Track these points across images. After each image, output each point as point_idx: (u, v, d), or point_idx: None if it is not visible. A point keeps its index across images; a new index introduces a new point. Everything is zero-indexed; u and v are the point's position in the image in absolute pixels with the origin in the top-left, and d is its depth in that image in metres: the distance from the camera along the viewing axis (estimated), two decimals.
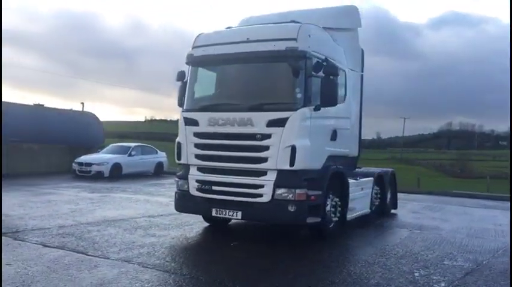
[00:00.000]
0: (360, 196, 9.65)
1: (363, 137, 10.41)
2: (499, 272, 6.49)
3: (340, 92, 8.64)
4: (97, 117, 27.33)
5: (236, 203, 7.65)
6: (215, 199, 7.84)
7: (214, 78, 8.54)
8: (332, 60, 8.08)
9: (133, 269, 5.89)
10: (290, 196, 7.29)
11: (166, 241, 7.72)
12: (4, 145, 19.67)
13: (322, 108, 7.59)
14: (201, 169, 8.07)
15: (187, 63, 8.37)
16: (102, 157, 20.77)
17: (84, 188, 15.51)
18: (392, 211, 12.34)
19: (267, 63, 7.87)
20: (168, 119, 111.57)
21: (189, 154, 8.11)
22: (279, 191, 7.35)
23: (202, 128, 7.97)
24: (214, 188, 7.86)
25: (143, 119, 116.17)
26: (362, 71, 9.85)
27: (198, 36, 8.39)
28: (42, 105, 25.49)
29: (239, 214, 7.62)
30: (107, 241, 7.49)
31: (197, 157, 8.05)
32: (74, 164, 20.47)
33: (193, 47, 8.31)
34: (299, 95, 7.45)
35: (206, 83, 8.52)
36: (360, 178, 10.24)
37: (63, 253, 6.59)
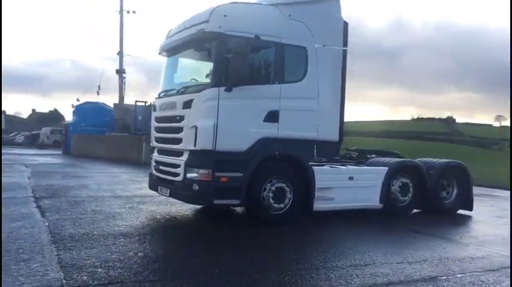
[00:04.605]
0: (347, 185, 8.60)
1: None
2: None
3: (294, 69, 8.12)
4: None
5: (168, 182, 8.18)
6: (159, 177, 8.54)
7: (172, 66, 9.13)
8: (274, 38, 7.74)
9: (28, 224, 7.18)
10: (196, 175, 7.41)
11: (125, 211, 8.71)
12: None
13: (244, 88, 7.39)
14: (158, 150, 8.87)
15: (158, 53, 9.24)
16: None
17: None
18: (463, 211, 10.20)
19: (189, 49, 8.09)
20: (437, 117, 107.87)
21: (152, 137, 9.01)
22: (188, 170, 7.56)
23: (156, 113, 8.76)
24: (160, 167, 8.54)
25: (409, 118, 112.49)
26: (345, 46, 8.69)
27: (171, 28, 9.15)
28: None
29: (168, 191, 8.14)
30: (83, 208, 8.98)
31: (154, 139, 8.88)
32: None
33: (164, 39, 9.12)
34: (209, 77, 7.47)
35: (168, 71, 9.15)
36: (362, 166, 9.08)
37: (29, 211, 8.40)
